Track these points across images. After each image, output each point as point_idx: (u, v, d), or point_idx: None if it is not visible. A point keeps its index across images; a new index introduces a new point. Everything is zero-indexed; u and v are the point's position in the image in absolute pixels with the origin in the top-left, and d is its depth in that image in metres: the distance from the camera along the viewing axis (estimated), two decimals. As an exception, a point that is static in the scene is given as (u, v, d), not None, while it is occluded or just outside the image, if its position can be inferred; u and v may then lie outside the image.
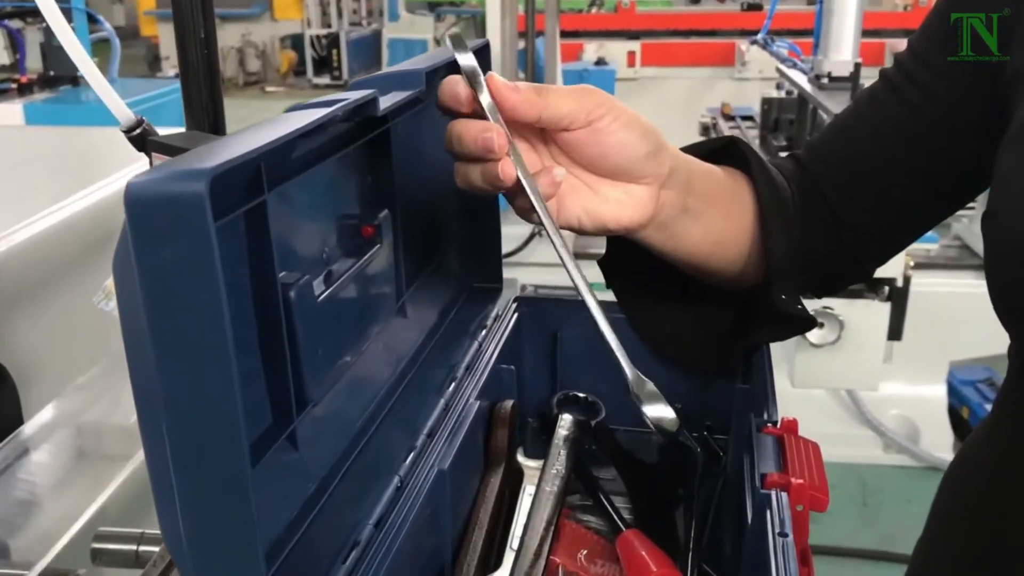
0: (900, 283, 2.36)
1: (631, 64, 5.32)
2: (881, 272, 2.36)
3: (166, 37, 9.79)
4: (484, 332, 0.85)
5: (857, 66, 2.66)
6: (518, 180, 0.64)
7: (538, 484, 0.75)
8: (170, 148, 0.69)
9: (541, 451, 0.83)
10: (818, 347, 2.35)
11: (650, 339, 0.85)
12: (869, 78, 2.84)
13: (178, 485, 0.45)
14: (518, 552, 0.70)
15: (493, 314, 0.88)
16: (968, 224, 3.08)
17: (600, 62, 4.23)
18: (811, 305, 2.37)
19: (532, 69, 3.61)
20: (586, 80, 4.05)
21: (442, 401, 0.73)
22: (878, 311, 2.40)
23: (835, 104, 2.51)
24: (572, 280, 0.66)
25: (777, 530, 0.57)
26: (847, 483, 2.93)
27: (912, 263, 2.39)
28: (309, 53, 10.27)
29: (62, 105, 3.24)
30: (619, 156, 0.67)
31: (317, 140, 0.62)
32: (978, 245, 2.87)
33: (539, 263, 3.28)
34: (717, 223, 0.75)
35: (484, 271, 0.92)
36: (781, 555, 0.55)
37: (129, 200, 0.40)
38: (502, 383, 0.82)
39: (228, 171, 0.41)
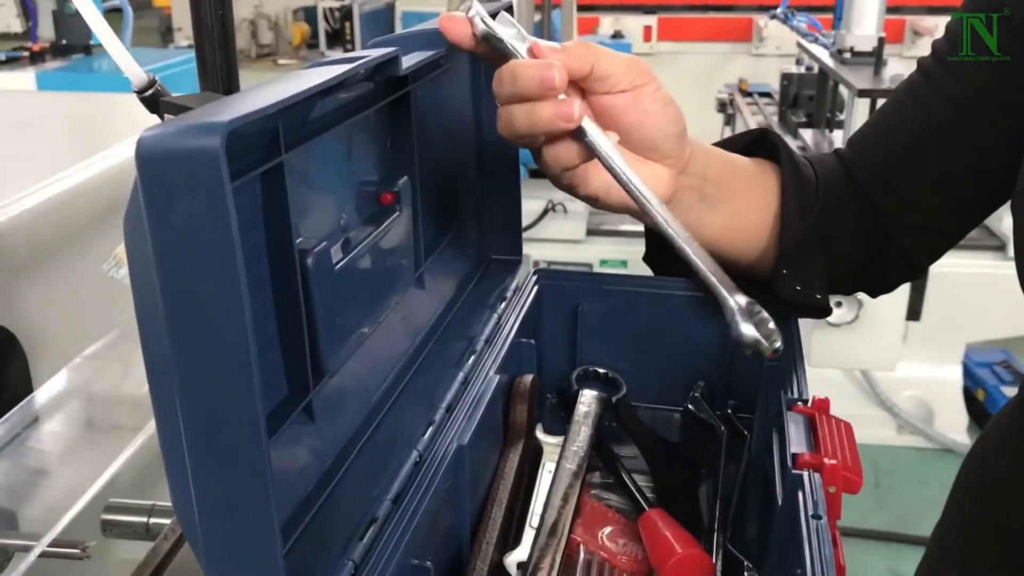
0: (920, 263, 2.33)
1: (647, 39, 5.26)
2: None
3: (178, 8, 9.74)
4: (504, 305, 0.82)
5: (881, 40, 2.62)
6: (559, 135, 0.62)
7: (558, 461, 0.73)
8: (183, 109, 0.67)
9: (561, 427, 0.81)
10: (836, 327, 2.33)
11: None
12: (890, 55, 2.79)
13: (191, 457, 0.43)
14: (538, 529, 0.68)
15: (513, 287, 0.86)
16: (988, 205, 3.03)
17: (616, 36, 4.18)
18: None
19: (548, 42, 3.56)
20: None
21: (461, 374, 0.71)
22: (896, 291, 2.36)
23: (858, 79, 2.47)
24: (654, 215, 0.65)
25: (811, 512, 0.55)
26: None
27: (932, 243, 2.36)
28: (322, 26, 10.20)
29: (74, 74, 3.21)
30: (654, 129, 0.66)
31: (336, 101, 0.59)
32: (997, 226, 2.83)
33: (553, 239, 3.26)
34: (738, 212, 0.75)
35: (503, 243, 0.89)
36: (816, 538, 0.53)
37: (141, 155, 0.37)
38: (522, 357, 0.80)
39: (244, 126, 0.39)
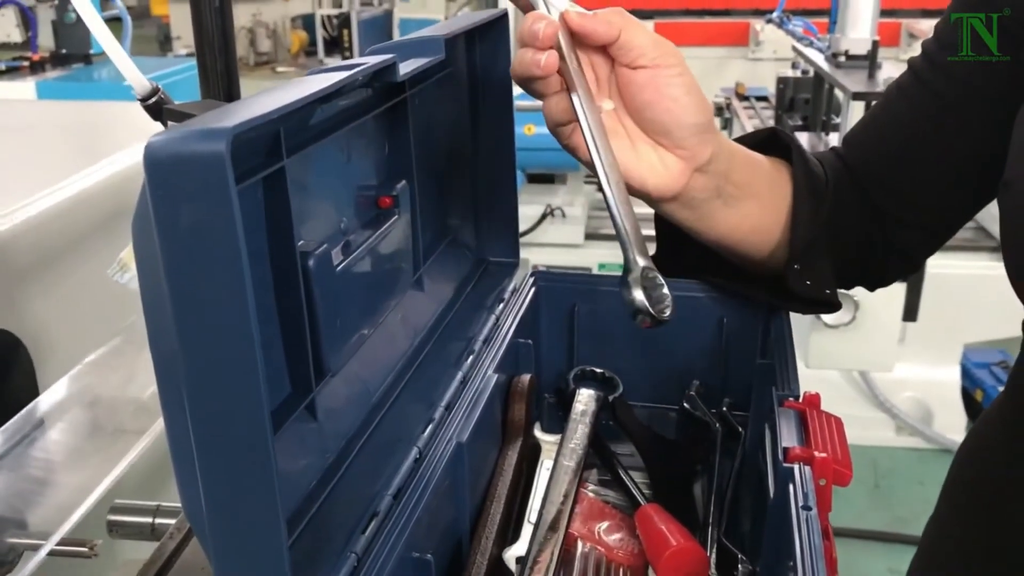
0: (916, 264, 2.35)
1: (644, 44, 5.27)
2: (897, 253, 2.35)
3: (177, 16, 9.77)
4: (501, 306, 0.84)
5: (875, 44, 2.63)
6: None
7: (556, 458, 0.75)
8: (186, 116, 0.68)
9: (558, 426, 0.82)
10: (833, 328, 2.34)
11: None
12: (886, 58, 2.81)
13: (199, 453, 0.44)
14: (536, 525, 0.70)
15: (510, 288, 0.87)
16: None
17: (613, 41, 4.19)
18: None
19: (545, 48, 3.57)
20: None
21: (460, 374, 0.72)
22: (893, 292, 2.38)
23: (853, 82, 2.49)
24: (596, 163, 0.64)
25: (801, 504, 0.56)
26: (859, 465, 2.90)
27: (928, 244, 2.37)
28: (320, 33, 10.23)
29: (74, 83, 3.23)
30: (669, 112, 0.66)
31: (335, 107, 0.61)
32: (993, 227, 2.84)
33: (552, 243, 3.27)
34: (754, 211, 0.75)
35: (501, 246, 0.91)
36: (806, 528, 0.54)
37: (148, 160, 0.39)
38: (519, 357, 0.81)
39: (248, 131, 0.41)
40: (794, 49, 3.35)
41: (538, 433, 0.83)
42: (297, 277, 0.56)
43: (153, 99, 0.71)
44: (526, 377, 0.79)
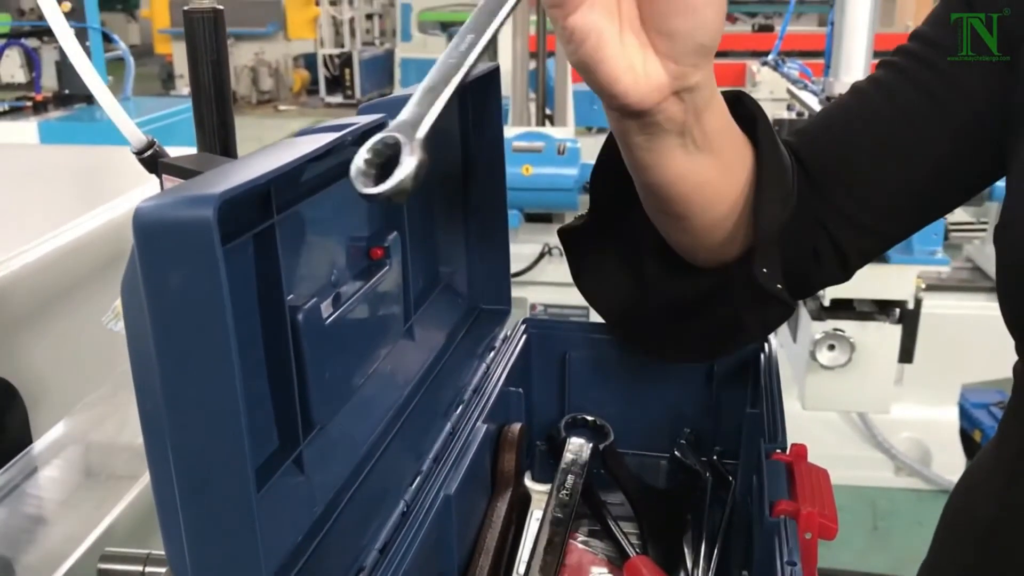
0: (911, 305, 2.35)
1: (642, 84, 5.32)
2: (892, 294, 2.36)
3: (180, 55, 9.86)
4: (492, 354, 0.84)
5: (868, 88, 2.65)
6: None
7: (545, 508, 0.75)
8: (181, 170, 0.69)
9: (549, 475, 0.82)
10: (829, 369, 2.34)
11: (604, 313, 0.80)
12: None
13: (183, 509, 0.45)
14: (525, 577, 0.70)
15: (501, 336, 0.88)
16: (980, 246, 3.06)
17: (611, 82, 4.23)
18: (821, 327, 2.37)
19: (543, 89, 3.62)
20: (597, 100, 4.07)
21: (449, 425, 0.73)
22: (889, 333, 2.38)
23: (846, 126, 2.50)
24: None
25: (786, 559, 0.57)
26: (858, 506, 2.91)
27: (923, 285, 2.38)
28: (322, 72, 10.33)
29: (77, 123, 3.26)
30: (684, 17, 0.57)
31: (326, 164, 0.62)
32: (990, 267, 2.86)
33: (549, 282, 3.28)
34: (710, 167, 0.67)
35: (492, 293, 0.92)
36: (790, 584, 0.54)
37: (138, 225, 0.40)
38: (510, 406, 0.82)
39: (236, 196, 0.42)
40: (789, 92, 3.38)
41: (528, 482, 0.84)
42: (286, 332, 0.56)
43: (148, 152, 0.72)
44: (516, 426, 0.80)
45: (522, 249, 3.09)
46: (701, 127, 0.64)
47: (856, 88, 0.79)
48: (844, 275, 0.80)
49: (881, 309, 2.37)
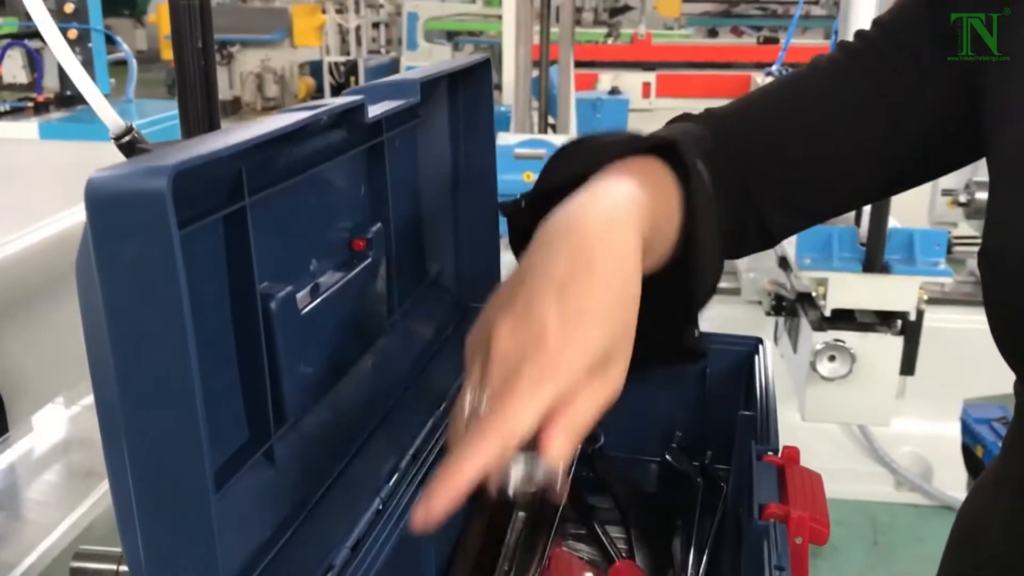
0: (913, 316, 2.32)
1: (646, 95, 5.32)
2: (894, 305, 2.33)
3: (186, 61, 9.86)
4: (479, 353, 0.82)
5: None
6: None
7: (528, 510, 0.73)
8: (158, 156, 0.67)
9: (535, 477, 0.80)
10: (829, 380, 2.31)
11: None
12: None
13: (138, 507, 0.43)
14: (507, 581, 0.67)
15: (489, 335, 0.86)
16: (984, 260, 3.03)
17: (614, 92, 4.23)
18: (822, 337, 2.34)
19: (545, 97, 3.61)
20: (599, 109, 4.05)
21: (431, 422, 0.71)
22: (890, 345, 2.35)
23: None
24: None
25: (774, 563, 0.54)
26: (857, 521, 2.88)
27: (925, 298, 2.35)
28: (327, 80, 10.33)
29: (77, 124, 3.24)
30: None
31: (306, 147, 0.60)
32: (994, 281, 2.82)
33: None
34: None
35: (481, 291, 0.89)
36: (778, 590, 0.52)
37: (90, 196, 0.38)
38: (496, 406, 0.79)
39: (198, 169, 0.40)
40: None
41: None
42: (257, 320, 0.54)
43: (126, 138, 0.70)
44: (501, 426, 0.77)
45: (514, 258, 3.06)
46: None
47: (809, 68, 0.77)
48: (765, 247, 0.78)
49: (882, 320, 2.34)
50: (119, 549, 0.83)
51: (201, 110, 0.83)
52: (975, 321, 2.86)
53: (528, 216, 0.67)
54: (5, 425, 0.95)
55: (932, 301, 2.51)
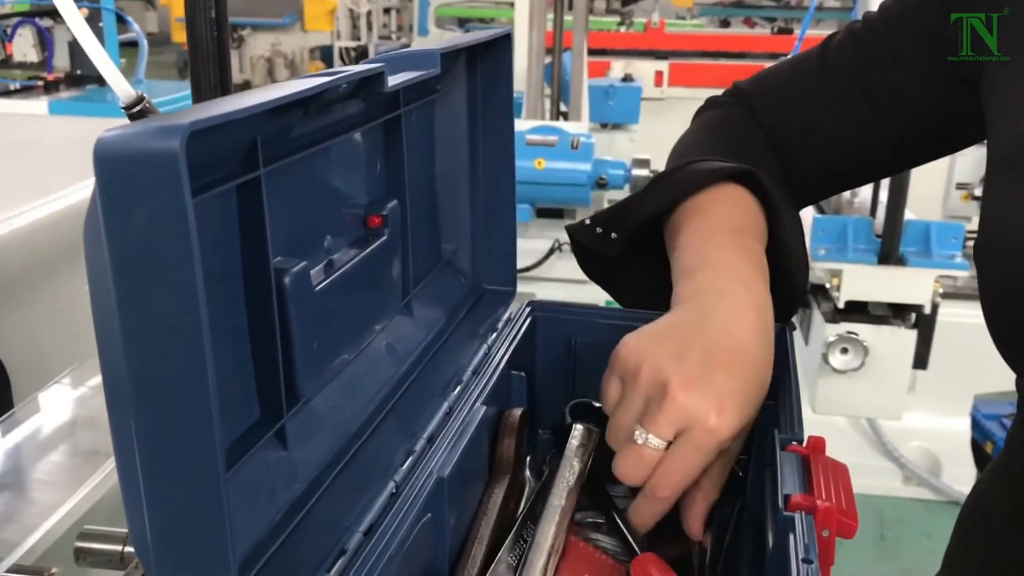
0: (928, 310, 2.30)
1: (658, 84, 5.29)
2: (908, 298, 2.30)
3: (196, 44, 9.83)
4: (494, 335, 0.80)
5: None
6: None
7: (546, 497, 0.71)
8: (169, 126, 0.65)
9: (552, 464, 0.78)
10: (841, 373, 2.29)
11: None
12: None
13: (145, 481, 0.41)
14: (521, 570, 0.65)
15: (505, 317, 0.84)
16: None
17: (627, 79, 4.19)
18: (835, 329, 2.32)
19: (558, 84, 3.58)
20: (612, 96, 4.01)
21: (445, 405, 0.69)
22: (904, 338, 2.33)
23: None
24: None
25: (801, 556, 0.52)
26: (865, 515, 2.85)
27: (941, 291, 2.33)
28: (338, 65, 10.30)
29: (87, 103, 3.23)
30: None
31: (323, 118, 0.58)
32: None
33: (558, 279, 3.24)
34: None
35: (497, 273, 0.87)
36: (806, 584, 0.50)
37: (98, 156, 0.36)
38: (511, 389, 0.77)
39: (212, 132, 0.38)
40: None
41: (529, 471, 0.79)
42: (271, 295, 0.52)
43: (138, 107, 0.69)
44: (517, 411, 0.76)
45: (532, 244, 3.04)
46: None
47: (822, 52, 0.82)
48: None
49: (896, 313, 2.32)
50: (124, 529, 0.82)
51: (214, 81, 0.81)
52: (988, 316, 2.83)
53: (617, 244, 0.77)
54: (11, 402, 0.94)
55: (946, 296, 2.49)
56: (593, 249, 0.79)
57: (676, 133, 0.87)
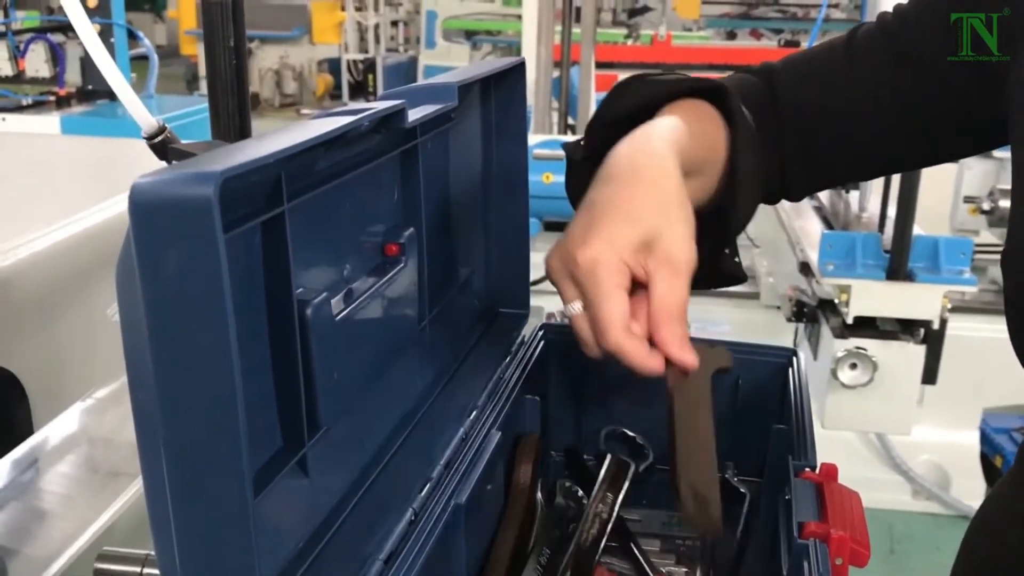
0: (936, 325, 2.30)
1: (665, 96, 5.29)
2: (917, 314, 2.30)
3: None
4: (508, 359, 0.81)
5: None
6: None
7: (581, 527, 0.71)
8: (191, 156, 0.67)
9: (565, 488, 0.79)
10: (850, 388, 2.29)
11: None
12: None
13: (175, 510, 0.42)
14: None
15: (518, 341, 0.85)
16: (1006, 268, 3.00)
17: (634, 93, 4.20)
18: (843, 345, 2.32)
19: (566, 97, 3.59)
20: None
21: (461, 431, 0.70)
22: (912, 353, 2.33)
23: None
24: None
25: (816, 584, 0.53)
26: (874, 529, 2.81)
27: (949, 306, 2.32)
28: (345, 77, 10.35)
29: (99, 119, 3.25)
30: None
31: (343, 152, 0.59)
32: (1016, 290, 2.78)
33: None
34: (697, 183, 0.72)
35: (510, 296, 0.88)
36: (821, 613, 0.51)
37: (134, 202, 0.37)
38: (525, 414, 0.78)
39: (241, 175, 0.39)
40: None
41: (540, 493, 0.80)
42: (293, 326, 0.54)
43: (159, 138, 0.70)
44: (533, 436, 0.77)
45: (540, 258, 3.04)
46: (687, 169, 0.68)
47: (848, 40, 0.80)
48: (776, 201, 0.84)
49: (905, 329, 2.32)
50: (143, 551, 0.83)
51: (232, 108, 0.83)
52: (995, 330, 2.83)
53: (587, 148, 0.75)
54: (29, 420, 0.95)
55: (954, 309, 2.49)
56: (569, 157, 0.77)
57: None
